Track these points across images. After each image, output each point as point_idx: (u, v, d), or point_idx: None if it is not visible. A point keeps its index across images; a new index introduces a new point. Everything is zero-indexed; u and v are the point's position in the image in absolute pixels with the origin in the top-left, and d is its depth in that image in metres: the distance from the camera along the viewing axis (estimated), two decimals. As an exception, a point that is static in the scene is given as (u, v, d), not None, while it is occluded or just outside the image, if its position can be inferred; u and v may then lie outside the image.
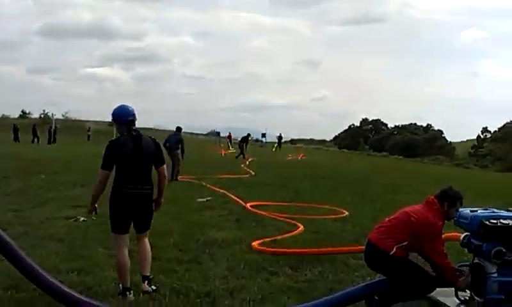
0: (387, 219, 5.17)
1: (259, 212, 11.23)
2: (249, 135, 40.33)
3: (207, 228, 9.32)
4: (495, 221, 4.83)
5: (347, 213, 11.59)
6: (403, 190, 17.49)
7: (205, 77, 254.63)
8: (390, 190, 17.41)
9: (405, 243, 4.83)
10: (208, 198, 13.50)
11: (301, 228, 9.26)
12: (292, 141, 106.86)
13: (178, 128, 19.52)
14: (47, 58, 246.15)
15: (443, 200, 4.99)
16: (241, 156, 36.19)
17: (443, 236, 5.19)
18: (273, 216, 10.64)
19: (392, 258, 4.82)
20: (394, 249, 4.80)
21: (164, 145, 19.17)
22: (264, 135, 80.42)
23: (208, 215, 10.88)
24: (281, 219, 10.34)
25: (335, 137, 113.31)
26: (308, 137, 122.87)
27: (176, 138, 18.71)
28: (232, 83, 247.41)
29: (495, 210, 5.06)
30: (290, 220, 10.07)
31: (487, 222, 4.79)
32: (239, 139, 41.03)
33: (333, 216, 11.09)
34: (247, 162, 30.29)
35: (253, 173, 22.93)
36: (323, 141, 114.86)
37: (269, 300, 5.46)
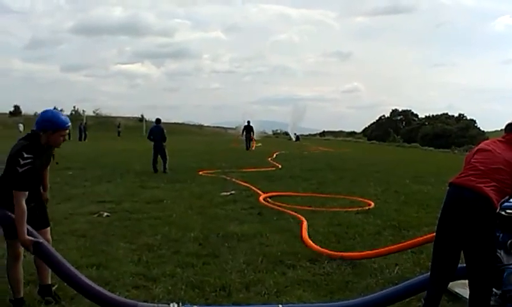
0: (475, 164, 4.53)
1: (269, 204, 11.28)
2: (248, 122, 39.73)
3: (228, 222, 9.35)
4: (511, 211, 4.72)
5: (372, 204, 11.53)
6: (430, 181, 17.21)
7: (234, 72, 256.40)
8: (416, 182, 17.18)
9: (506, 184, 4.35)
10: (232, 192, 13.55)
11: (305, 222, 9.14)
12: (323, 134, 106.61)
13: (158, 120, 20.41)
14: (80, 55, 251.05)
15: None
16: (251, 148, 36.50)
17: None
18: (280, 208, 10.61)
19: (490, 207, 4.27)
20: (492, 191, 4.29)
21: (149, 138, 20.01)
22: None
23: (231, 209, 10.90)
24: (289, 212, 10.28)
25: (365, 129, 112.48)
26: (338, 129, 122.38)
27: (159, 130, 19.65)
28: (260, 76, 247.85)
29: None
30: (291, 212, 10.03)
31: (503, 213, 4.68)
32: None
33: (357, 208, 11.02)
34: (274, 156, 30.26)
35: (280, 166, 22.92)
36: (353, 133, 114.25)
37: (283, 294, 5.45)
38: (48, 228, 5.15)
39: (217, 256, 6.94)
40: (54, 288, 5.14)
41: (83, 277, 4.67)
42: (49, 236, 5.10)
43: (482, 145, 4.78)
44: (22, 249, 4.86)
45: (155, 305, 4.74)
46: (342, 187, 15.06)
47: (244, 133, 39.29)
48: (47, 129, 4.73)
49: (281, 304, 4.86)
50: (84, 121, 59.99)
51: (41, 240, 4.61)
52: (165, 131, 19.76)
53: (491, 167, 4.44)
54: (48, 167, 5.20)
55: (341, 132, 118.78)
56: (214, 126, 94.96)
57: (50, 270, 5.02)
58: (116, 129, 66.08)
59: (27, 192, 4.60)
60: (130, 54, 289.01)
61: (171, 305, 4.64)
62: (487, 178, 4.37)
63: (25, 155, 4.59)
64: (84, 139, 51.85)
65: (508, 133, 4.70)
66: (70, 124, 4.94)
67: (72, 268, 4.67)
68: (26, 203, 4.60)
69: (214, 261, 6.72)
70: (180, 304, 4.68)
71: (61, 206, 10.57)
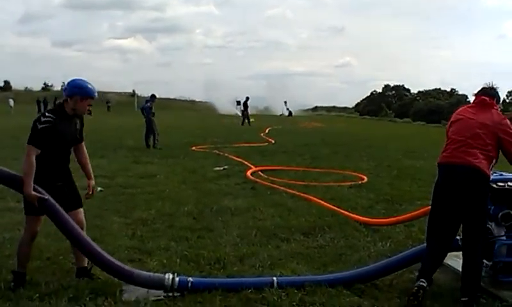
0: (453, 137, 4.64)
1: (258, 180, 11.33)
2: (247, 98, 39.79)
3: (222, 196, 9.40)
4: (502, 184, 4.77)
5: (365, 179, 11.61)
6: (422, 156, 17.33)
7: (226, 46, 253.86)
8: (408, 157, 17.30)
9: (488, 148, 4.44)
10: (225, 167, 13.58)
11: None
12: (315, 109, 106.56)
13: (153, 96, 20.49)
14: (71, 30, 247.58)
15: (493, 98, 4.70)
16: (247, 122, 36.53)
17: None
18: (269, 184, 10.67)
19: (483, 177, 4.38)
20: (482, 161, 4.39)
21: (142, 112, 20.19)
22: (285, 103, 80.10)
23: (224, 184, 10.94)
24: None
25: (357, 104, 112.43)
26: (331, 105, 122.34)
27: (149, 105, 19.70)
28: (253, 51, 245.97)
29: (504, 174, 4.99)
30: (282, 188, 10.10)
31: (494, 185, 4.73)
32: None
33: (350, 183, 11.09)
34: (266, 131, 30.29)
35: (273, 142, 22.95)
36: (345, 109, 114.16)
37: (278, 266, 5.50)
38: (81, 209, 5.05)
39: (212, 230, 6.98)
40: (89, 267, 5.06)
41: (87, 238, 4.73)
42: (81, 217, 5.01)
43: (454, 116, 4.85)
44: (38, 229, 4.87)
45: (151, 274, 4.79)
46: (336, 162, 15.12)
47: (241, 108, 39.40)
48: (75, 94, 4.77)
49: (275, 276, 4.90)
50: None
51: (46, 197, 4.60)
52: (152, 106, 19.74)
53: (469, 134, 4.52)
54: (87, 155, 5.18)
55: (334, 107, 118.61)
56: (206, 102, 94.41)
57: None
58: (106, 104, 65.83)
59: (39, 151, 4.60)
60: (123, 29, 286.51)
61: (167, 276, 4.68)
62: (470, 149, 4.45)
63: (47, 114, 4.71)
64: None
65: (477, 96, 4.77)
66: (97, 94, 4.98)
67: (77, 227, 4.70)
68: (52, 182, 4.70)
69: (209, 235, 6.77)
70: (176, 275, 4.73)
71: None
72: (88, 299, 4.45)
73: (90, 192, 5.21)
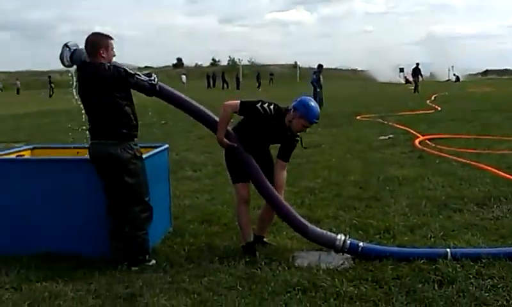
0: None
1: (426, 149, 10.88)
2: (418, 64, 38.20)
3: (388, 166, 9.25)
4: None
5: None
6: None
7: (389, 12, 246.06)
8: None
9: None
10: (390, 136, 13.32)
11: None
12: (485, 73, 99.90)
13: (320, 66, 20.78)
14: (235, 7, 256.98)
15: None
16: (417, 90, 35.38)
17: None
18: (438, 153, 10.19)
19: None
20: None
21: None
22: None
23: (390, 153, 10.75)
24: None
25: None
26: (503, 68, 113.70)
27: (315, 77, 20.43)
28: (418, 16, 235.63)
29: None
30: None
31: None
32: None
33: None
34: (432, 98, 29.04)
35: (439, 109, 21.98)
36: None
37: (451, 237, 5.30)
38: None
39: (379, 200, 6.93)
40: (265, 240, 5.30)
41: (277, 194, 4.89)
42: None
43: None
44: (249, 195, 5.07)
45: (325, 232, 4.90)
46: (510, 129, 14.07)
47: (404, 76, 38.56)
48: (296, 110, 4.81)
49: (449, 247, 4.75)
50: (241, 70, 61.97)
51: (236, 145, 4.86)
52: (316, 77, 19.85)
53: None
54: (284, 179, 5.10)
55: (506, 70, 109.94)
56: (367, 70, 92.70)
57: (269, 226, 5.32)
58: (269, 76, 67.19)
59: (237, 109, 4.81)
60: (284, 1, 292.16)
61: (339, 236, 4.77)
62: None
63: (271, 107, 4.84)
64: (237, 88, 53.69)
65: None
66: (317, 121, 4.95)
67: (266, 182, 4.88)
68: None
69: (376, 204, 6.72)
70: (348, 237, 4.81)
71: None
72: (263, 263, 4.67)
73: None
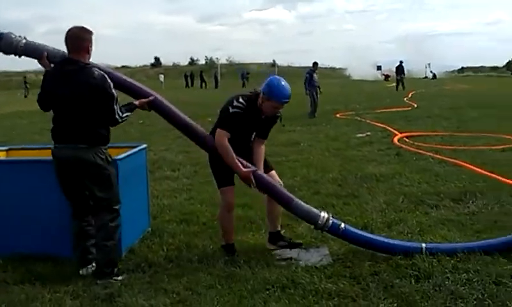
0: None
1: (403, 146, 11.00)
2: (401, 62, 38.03)
3: (366, 163, 9.34)
4: None
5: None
6: None
7: (367, 10, 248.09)
8: None
9: None
10: (367, 133, 13.43)
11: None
12: (462, 70, 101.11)
13: (315, 64, 20.01)
14: (213, 5, 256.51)
15: None
16: (401, 87, 35.44)
17: None
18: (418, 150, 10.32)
19: None
20: None
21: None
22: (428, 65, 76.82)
23: (367, 151, 10.85)
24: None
25: (508, 63, 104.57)
26: (478, 65, 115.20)
27: (307, 76, 19.50)
28: (396, 13, 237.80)
29: None
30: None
31: None
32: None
33: (503, 146, 10.45)
34: (409, 95, 29.31)
35: (416, 106, 22.21)
36: (495, 68, 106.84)
37: (427, 233, 5.38)
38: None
39: (357, 197, 6.99)
40: (282, 232, 5.30)
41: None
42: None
43: None
44: (234, 200, 4.99)
45: (310, 208, 4.85)
46: (486, 125, 14.25)
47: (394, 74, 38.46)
48: (264, 93, 4.74)
49: (424, 242, 4.81)
50: (219, 69, 61.74)
51: (254, 169, 4.74)
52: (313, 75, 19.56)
53: None
54: (263, 149, 5.06)
55: (482, 67, 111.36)
56: (345, 68, 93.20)
57: (279, 218, 5.26)
58: (245, 75, 67.06)
59: (228, 134, 4.69)
60: (263, 0, 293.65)
61: (322, 213, 4.78)
62: None
63: (241, 100, 4.76)
64: (216, 87, 53.42)
65: None
66: (287, 101, 4.77)
67: (283, 190, 4.94)
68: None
69: (354, 201, 6.78)
70: (332, 216, 4.83)
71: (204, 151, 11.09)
72: (242, 261, 4.68)
73: None
